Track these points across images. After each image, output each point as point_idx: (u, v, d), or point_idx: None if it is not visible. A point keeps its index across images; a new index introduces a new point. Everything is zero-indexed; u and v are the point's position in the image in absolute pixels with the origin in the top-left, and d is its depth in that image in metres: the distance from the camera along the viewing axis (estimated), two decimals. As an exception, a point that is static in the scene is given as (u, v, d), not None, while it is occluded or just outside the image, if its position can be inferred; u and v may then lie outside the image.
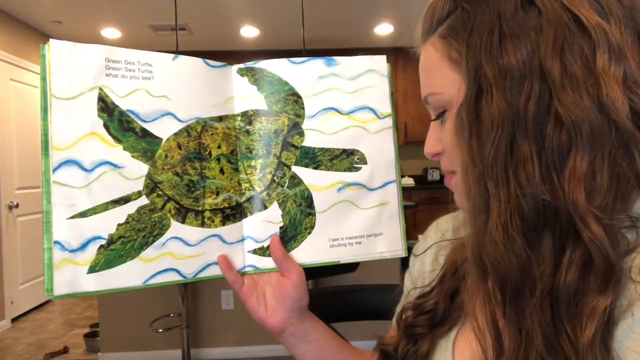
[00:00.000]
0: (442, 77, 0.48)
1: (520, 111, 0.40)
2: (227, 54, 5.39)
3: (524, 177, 0.40)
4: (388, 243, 0.62)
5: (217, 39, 5.04)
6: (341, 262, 0.60)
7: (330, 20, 4.52)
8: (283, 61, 0.60)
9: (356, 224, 0.61)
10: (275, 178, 0.59)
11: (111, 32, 4.78)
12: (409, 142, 5.57)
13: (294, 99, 0.60)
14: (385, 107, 0.62)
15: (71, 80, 0.51)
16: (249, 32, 4.86)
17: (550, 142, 0.40)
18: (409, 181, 5.53)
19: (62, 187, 0.50)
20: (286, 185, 0.60)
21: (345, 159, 0.61)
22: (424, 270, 0.64)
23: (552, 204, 0.40)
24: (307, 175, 0.60)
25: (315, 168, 0.60)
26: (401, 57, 5.65)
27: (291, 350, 0.64)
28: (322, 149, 0.60)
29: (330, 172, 0.60)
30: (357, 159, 0.61)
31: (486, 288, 0.45)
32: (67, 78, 0.51)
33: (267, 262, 0.60)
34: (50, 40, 0.50)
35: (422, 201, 5.03)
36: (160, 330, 2.64)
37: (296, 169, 0.60)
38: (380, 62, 0.63)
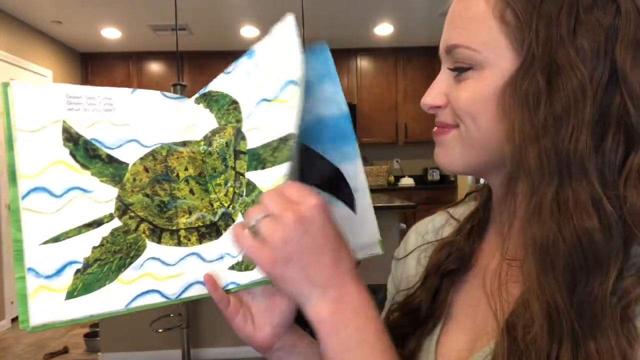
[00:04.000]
0: (484, 35, 0.46)
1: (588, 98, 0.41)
2: (227, 54, 5.38)
3: (596, 165, 0.41)
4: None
5: (217, 39, 5.04)
6: None
7: (330, 20, 4.52)
8: (220, 76, 0.60)
9: None
10: (235, 189, 0.58)
11: (111, 32, 4.78)
12: (409, 142, 5.56)
13: (233, 107, 0.59)
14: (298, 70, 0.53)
15: (34, 116, 0.52)
16: (249, 32, 4.86)
17: (611, 142, 0.42)
18: (409, 181, 5.52)
19: (33, 214, 0.50)
20: (244, 194, 0.57)
21: (283, 147, 0.52)
22: (408, 274, 0.64)
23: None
24: (258, 177, 0.55)
25: (263, 168, 0.54)
26: (401, 57, 5.65)
27: None
28: (263, 145, 0.55)
29: (276, 166, 0.53)
30: (293, 142, 0.52)
31: (532, 261, 0.44)
32: (30, 114, 0.52)
33: (247, 277, 0.56)
34: (12, 82, 0.52)
35: (422, 201, 5.02)
36: (160, 330, 2.64)
37: (249, 175, 0.56)
38: (285, 24, 0.56)
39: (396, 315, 0.59)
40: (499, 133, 0.46)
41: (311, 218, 0.42)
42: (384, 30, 4.96)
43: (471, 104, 0.47)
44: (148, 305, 0.54)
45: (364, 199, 0.60)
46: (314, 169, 0.58)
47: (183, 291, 0.56)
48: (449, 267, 0.57)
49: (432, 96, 0.51)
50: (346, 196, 0.59)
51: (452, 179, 5.54)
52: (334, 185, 0.59)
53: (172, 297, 0.55)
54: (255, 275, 0.56)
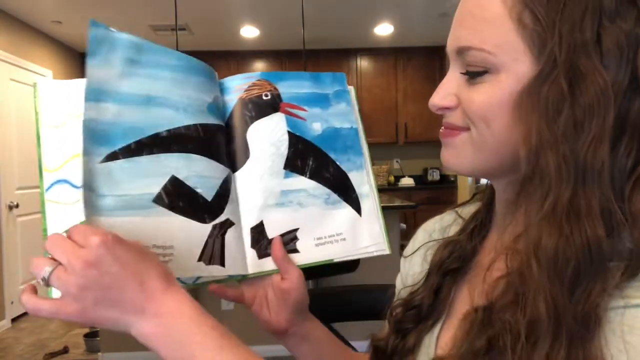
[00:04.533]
0: (500, 37, 0.44)
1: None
2: (227, 54, 5.38)
3: (606, 176, 0.41)
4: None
5: (217, 39, 5.04)
6: (335, 260, 0.63)
7: (330, 20, 4.52)
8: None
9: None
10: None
11: (111, 32, 4.78)
12: (409, 142, 5.56)
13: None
14: None
15: (58, 111, 0.56)
16: (249, 32, 4.86)
17: (624, 148, 0.41)
18: (409, 181, 5.52)
19: (55, 205, 0.53)
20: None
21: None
22: (414, 271, 0.65)
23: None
24: None
25: None
26: (401, 57, 5.65)
27: (292, 350, 0.66)
28: None
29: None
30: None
31: (533, 267, 0.42)
32: (55, 110, 0.55)
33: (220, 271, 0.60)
34: (38, 81, 0.55)
35: (422, 201, 5.02)
36: (160, 330, 2.63)
37: None
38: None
39: (399, 310, 0.60)
40: (513, 137, 0.45)
41: (99, 258, 0.42)
42: (384, 30, 4.95)
43: (486, 109, 0.45)
44: None
45: (369, 205, 0.66)
46: (329, 174, 0.65)
47: (197, 278, 0.59)
48: (451, 265, 0.57)
49: (441, 97, 0.49)
50: (353, 200, 0.65)
51: (452, 179, 5.54)
52: (344, 189, 0.65)
53: (189, 282, 0.59)
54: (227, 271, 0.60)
